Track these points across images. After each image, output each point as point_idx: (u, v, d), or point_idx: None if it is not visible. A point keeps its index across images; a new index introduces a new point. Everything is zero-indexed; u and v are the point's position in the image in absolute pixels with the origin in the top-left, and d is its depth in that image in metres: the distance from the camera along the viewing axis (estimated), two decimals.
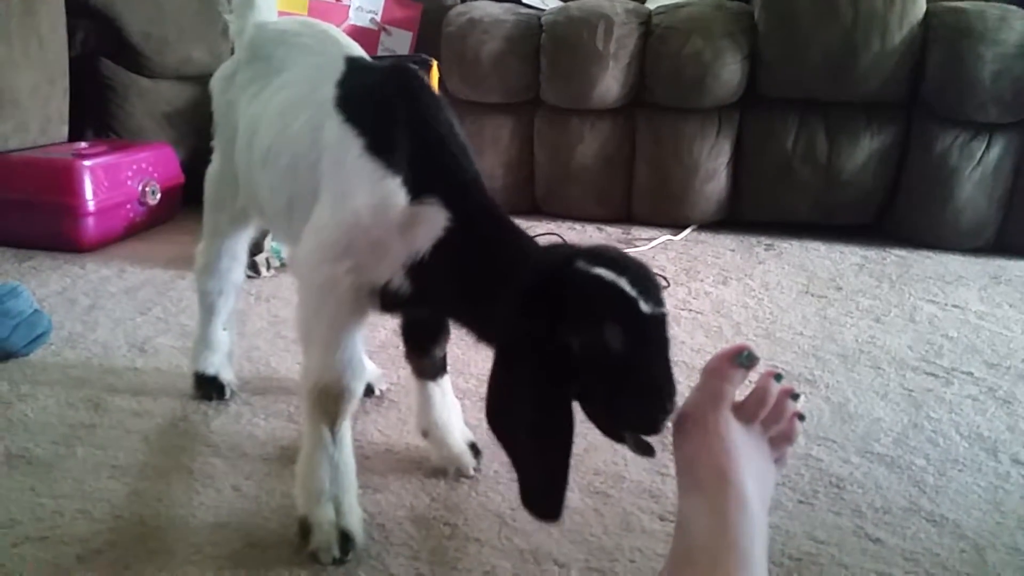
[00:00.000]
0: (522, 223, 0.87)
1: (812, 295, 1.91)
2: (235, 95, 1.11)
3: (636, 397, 0.73)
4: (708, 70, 2.35)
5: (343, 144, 0.88)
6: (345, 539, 0.87)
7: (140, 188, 2.17)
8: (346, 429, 0.91)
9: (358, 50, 1.04)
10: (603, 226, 2.52)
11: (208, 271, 1.22)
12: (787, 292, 1.93)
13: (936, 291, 1.98)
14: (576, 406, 0.76)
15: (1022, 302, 1.92)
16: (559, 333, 0.72)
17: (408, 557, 0.89)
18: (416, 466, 1.08)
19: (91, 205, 1.99)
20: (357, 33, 2.77)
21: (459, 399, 1.10)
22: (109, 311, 1.60)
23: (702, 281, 1.99)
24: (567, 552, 0.91)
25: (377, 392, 1.28)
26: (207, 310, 1.24)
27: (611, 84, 2.43)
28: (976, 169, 2.32)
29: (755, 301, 1.85)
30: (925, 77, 2.30)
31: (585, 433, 1.16)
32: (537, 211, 2.62)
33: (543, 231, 2.29)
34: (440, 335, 1.04)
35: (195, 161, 1.23)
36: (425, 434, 1.08)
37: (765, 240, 2.42)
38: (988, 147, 2.31)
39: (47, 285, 1.74)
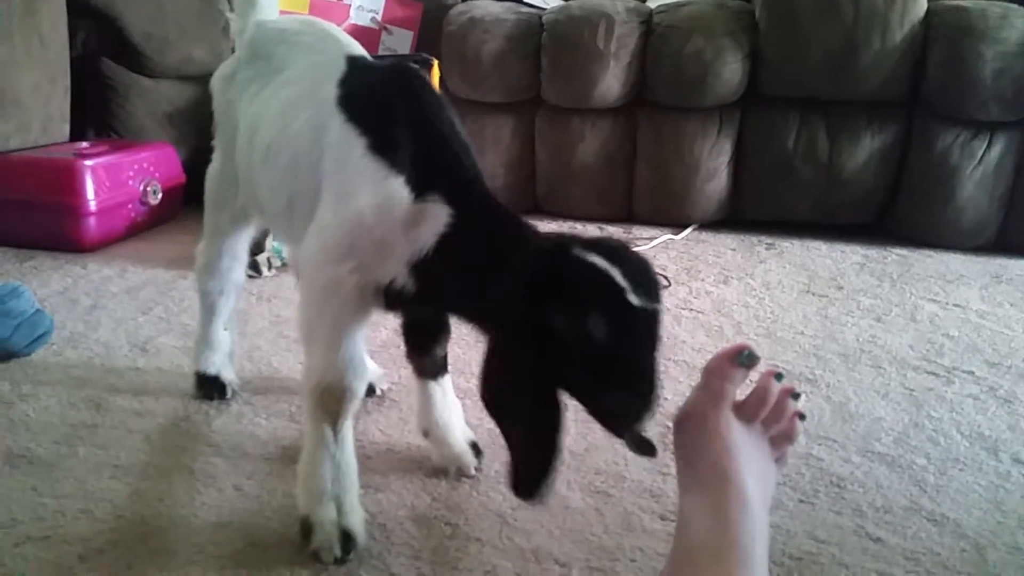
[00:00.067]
0: None
1: (813, 294, 1.91)
2: (235, 94, 1.11)
3: (616, 389, 0.73)
4: (709, 69, 2.35)
5: (346, 144, 0.88)
6: (347, 538, 0.88)
7: (141, 188, 2.17)
8: (348, 429, 0.91)
9: (359, 49, 1.04)
10: (604, 225, 2.52)
11: (209, 271, 1.22)
12: (788, 291, 1.93)
13: (937, 290, 1.98)
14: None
15: (1023, 301, 1.92)
16: (547, 317, 0.72)
17: (409, 557, 0.89)
18: (417, 466, 1.08)
19: (92, 205, 1.99)
20: (358, 32, 2.77)
21: (460, 398, 1.10)
22: (111, 311, 1.61)
23: (703, 280, 1.99)
24: (568, 551, 0.91)
25: (378, 392, 1.28)
26: (208, 310, 1.24)
27: (612, 83, 2.42)
28: (977, 168, 2.31)
29: (756, 300, 1.85)
30: (926, 76, 2.30)
31: (586, 433, 1.17)
32: (538, 210, 2.62)
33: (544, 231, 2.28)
34: (441, 334, 1.05)
35: (196, 161, 1.23)
36: (426, 434, 1.08)
37: (766, 239, 2.42)
38: (989, 146, 2.30)
39: (48, 285, 1.74)
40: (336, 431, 0.90)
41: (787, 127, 2.43)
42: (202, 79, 1.19)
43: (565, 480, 1.06)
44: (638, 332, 0.72)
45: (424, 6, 2.85)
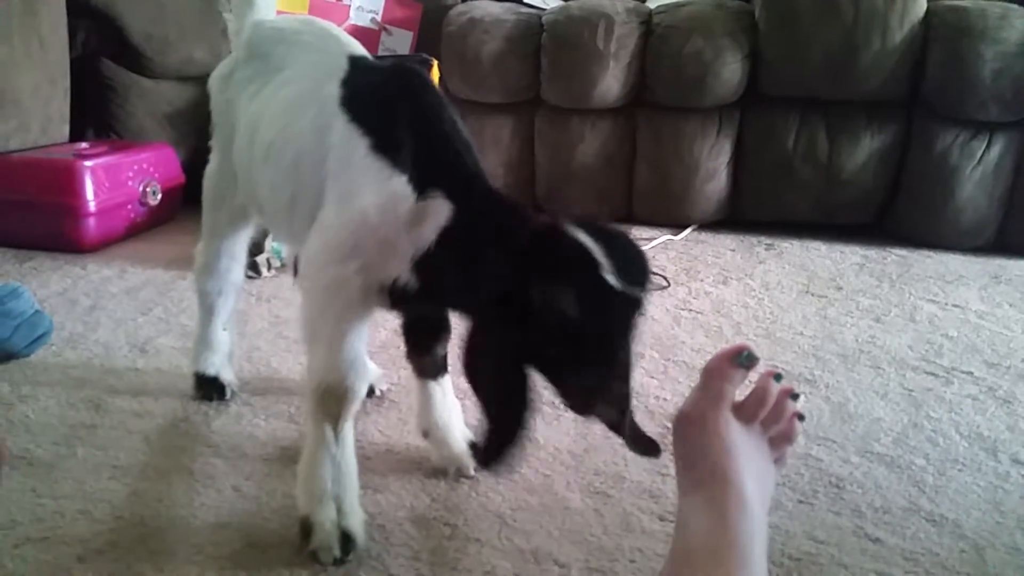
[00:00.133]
0: None
1: (812, 295, 1.91)
2: (233, 93, 1.11)
3: (581, 369, 0.74)
4: (709, 69, 2.35)
5: (349, 143, 0.89)
6: (346, 539, 0.88)
7: (141, 188, 2.17)
8: (349, 429, 0.91)
9: (360, 48, 1.05)
10: None
11: (207, 271, 1.22)
12: (787, 292, 1.93)
13: (936, 290, 1.98)
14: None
15: (1022, 301, 1.92)
16: (526, 290, 0.73)
17: (408, 557, 0.89)
18: (416, 466, 1.08)
19: (92, 205, 1.99)
20: (358, 33, 2.77)
21: (459, 399, 1.10)
22: (110, 312, 1.61)
23: (702, 281, 1.99)
24: (567, 552, 0.91)
25: (378, 392, 1.28)
26: (207, 310, 1.24)
27: (612, 83, 2.43)
28: (977, 168, 2.31)
29: (755, 301, 1.85)
30: (926, 76, 2.30)
31: (585, 434, 1.17)
32: (538, 211, 2.62)
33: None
34: (442, 334, 1.05)
35: (196, 161, 1.23)
36: (426, 434, 1.08)
37: (765, 240, 2.42)
38: (989, 146, 2.31)
39: (48, 286, 1.74)
40: (337, 432, 0.90)
41: (787, 127, 2.43)
42: (202, 80, 1.18)
43: (564, 481, 1.06)
44: (611, 313, 0.72)
45: (424, 6, 2.85)
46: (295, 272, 1.32)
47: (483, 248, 0.82)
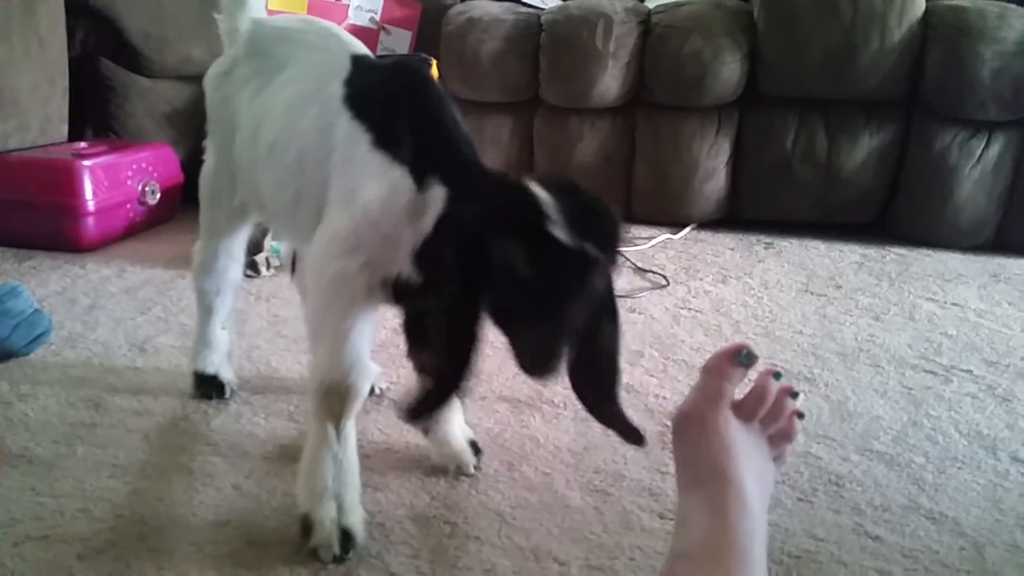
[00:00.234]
0: None
1: (811, 293, 1.91)
2: (231, 91, 1.11)
3: (527, 325, 0.74)
4: (707, 69, 2.35)
5: (352, 140, 0.90)
6: (346, 537, 0.87)
7: (140, 188, 2.17)
8: (351, 428, 0.91)
9: (362, 47, 1.05)
10: None
11: (205, 270, 1.22)
12: (787, 290, 1.93)
13: (935, 289, 1.98)
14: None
15: (1021, 300, 1.92)
16: (484, 242, 0.73)
17: (408, 555, 0.89)
18: (416, 464, 1.08)
19: (91, 205, 1.99)
20: (356, 32, 2.76)
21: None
22: (109, 311, 1.61)
23: (701, 280, 1.99)
24: (567, 550, 0.91)
25: (377, 391, 1.28)
26: (205, 309, 1.24)
27: (610, 83, 2.43)
28: (976, 167, 2.32)
29: (754, 299, 1.85)
30: (924, 75, 2.30)
31: (585, 432, 1.17)
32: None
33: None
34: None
35: (195, 161, 1.23)
36: (426, 431, 1.08)
37: (765, 239, 2.42)
38: (987, 145, 2.31)
39: (47, 285, 1.74)
40: (339, 430, 0.90)
41: (785, 127, 2.43)
42: (201, 79, 1.18)
43: (564, 479, 1.06)
44: (560, 269, 0.71)
45: (423, 6, 2.84)
46: (292, 270, 1.32)
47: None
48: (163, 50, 2.44)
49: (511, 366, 1.38)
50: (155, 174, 2.24)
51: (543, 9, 2.60)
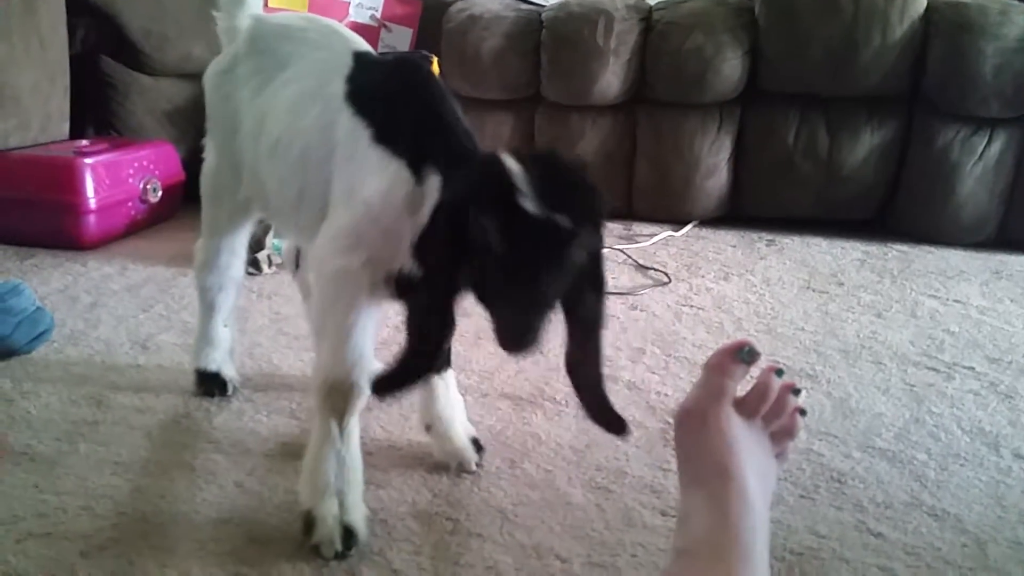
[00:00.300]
0: None
1: (813, 290, 1.91)
2: (233, 89, 1.11)
3: (500, 298, 0.74)
4: (709, 65, 2.35)
5: (353, 137, 0.90)
6: (348, 534, 0.88)
7: (141, 186, 2.17)
8: (354, 425, 0.92)
9: (364, 44, 1.05)
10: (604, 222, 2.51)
11: (207, 267, 1.22)
12: (788, 288, 1.93)
13: (937, 286, 1.98)
14: None
15: (1023, 297, 1.92)
16: (461, 218, 0.74)
17: (410, 552, 0.89)
18: (418, 462, 1.08)
19: (92, 203, 1.99)
20: (357, 29, 2.75)
21: (461, 395, 1.11)
22: (111, 308, 1.61)
23: (703, 277, 1.99)
24: (569, 547, 0.91)
25: None
26: (207, 306, 1.24)
27: (612, 80, 2.42)
28: (977, 164, 2.32)
29: (756, 297, 1.85)
30: (926, 72, 2.30)
31: (587, 429, 1.17)
32: None
33: None
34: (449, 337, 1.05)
35: (196, 158, 1.23)
36: (428, 428, 1.08)
37: (766, 236, 2.42)
38: (989, 142, 2.31)
39: (49, 283, 1.74)
40: (342, 427, 0.90)
41: (787, 123, 2.43)
42: (201, 77, 1.18)
43: (566, 476, 1.06)
44: (531, 242, 0.71)
45: (423, 3, 2.84)
46: (296, 266, 1.32)
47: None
48: (164, 48, 2.44)
49: (513, 363, 1.39)
50: (156, 172, 2.24)
51: (544, 6, 2.60)
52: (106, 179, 2.04)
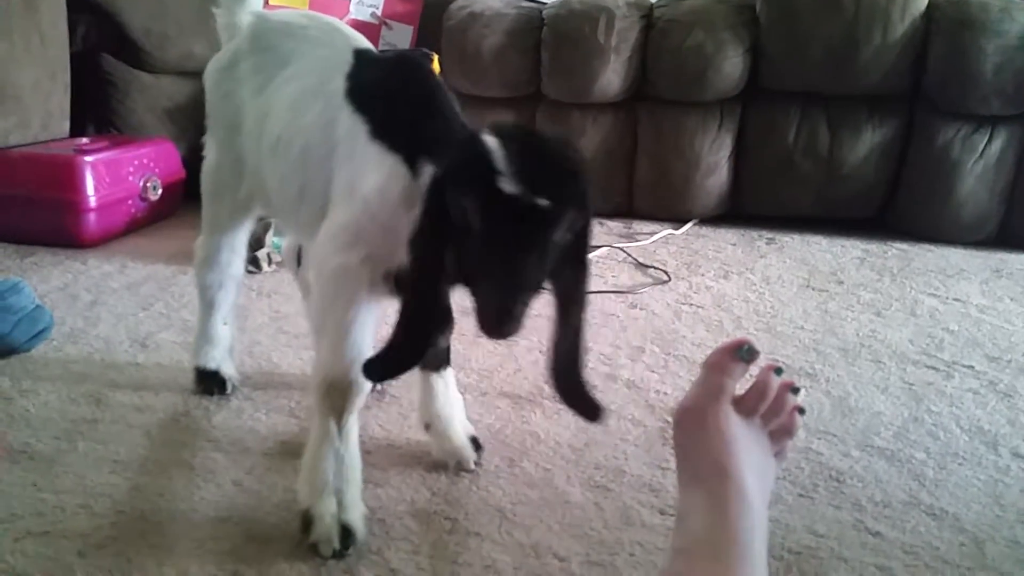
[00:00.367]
0: None
1: (813, 289, 1.91)
2: (235, 86, 1.12)
3: (481, 279, 0.74)
4: (710, 63, 2.35)
5: (352, 134, 0.91)
6: (346, 533, 0.87)
7: (141, 184, 2.17)
8: (353, 424, 0.92)
9: (364, 42, 1.05)
10: (604, 220, 2.52)
11: (208, 265, 1.22)
12: (788, 286, 1.93)
13: (937, 285, 1.98)
14: None
15: (1023, 296, 1.92)
16: (441, 195, 0.74)
17: (409, 551, 0.89)
18: (417, 461, 1.08)
19: (92, 201, 1.99)
20: (358, 27, 2.75)
21: (460, 393, 1.11)
22: (111, 307, 1.61)
23: (703, 275, 1.99)
24: (567, 546, 0.91)
25: (379, 387, 1.28)
26: (207, 304, 1.24)
27: (612, 78, 2.42)
28: (978, 162, 2.31)
29: (756, 295, 1.85)
30: (927, 70, 2.30)
31: (585, 428, 1.17)
32: None
33: None
34: (445, 325, 1.05)
35: (196, 156, 1.23)
36: (427, 426, 1.08)
37: (766, 234, 2.42)
38: (990, 140, 2.30)
39: (48, 281, 1.74)
40: (341, 426, 0.90)
41: (788, 122, 2.42)
42: (202, 75, 1.18)
43: (565, 475, 1.06)
44: (508, 222, 0.70)
45: (424, 0, 2.84)
46: (296, 264, 1.32)
47: None
48: (164, 46, 2.44)
49: (512, 362, 1.39)
50: (156, 170, 2.24)
51: (545, 4, 2.59)
52: (106, 177, 2.04)
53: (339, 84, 0.95)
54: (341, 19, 2.69)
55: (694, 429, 0.72)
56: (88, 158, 2.00)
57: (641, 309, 1.73)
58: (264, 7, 1.22)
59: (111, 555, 0.86)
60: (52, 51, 2.18)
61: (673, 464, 0.76)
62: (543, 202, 0.69)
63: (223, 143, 1.15)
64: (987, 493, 1.05)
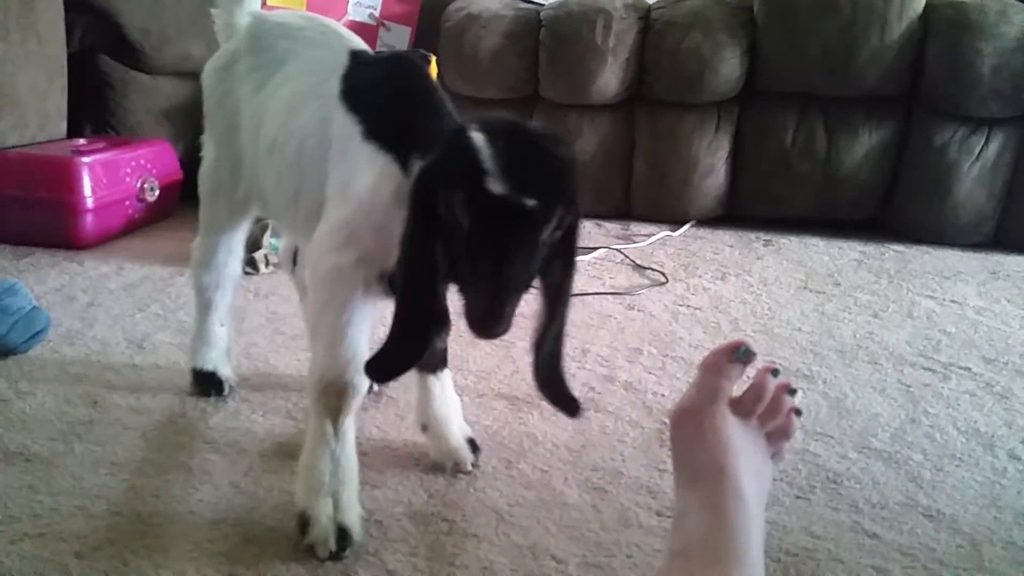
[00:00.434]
0: None
1: (810, 291, 1.91)
2: (233, 86, 1.12)
3: (467, 278, 0.74)
4: (707, 65, 2.35)
5: (346, 134, 0.91)
6: (342, 534, 0.87)
7: (138, 185, 2.16)
8: (350, 425, 0.91)
9: (360, 43, 1.05)
10: (602, 222, 2.52)
11: (205, 265, 1.22)
12: (785, 288, 1.93)
13: (934, 286, 1.98)
14: None
15: (1020, 297, 1.92)
16: (428, 190, 0.74)
17: (406, 553, 0.89)
18: (414, 462, 1.08)
19: (89, 202, 1.99)
20: (356, 28, 2.76)
21: (458, 395, 1.10)
22: (107, 308, 1.60)
23: (700, 277, 1.99)
24: (565, 548, 0.91)
25: (375, 389, 1.28)
26: (204, 305, 1.24)
27: (610, 79, 2.42)
28: (975, 164, 2.32)
29: (753, 297, 1.85)
30: (924, 71, 2.30)
31: (583, 430, 1.17)
32: None
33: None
34: (442, 327, 1.05)
35: (193, 157, 1.23)
36: (424, 428, 1.08)
37: (764, 236, 2.42)
38: (987, 142, 2.31)
39: (45, 282, 1.74)
40: (337, 427, 0.90)
41: (785, 123, 2.43)
42: (199, 76, 1.18)
43: (562, 477, 1.06)
44: (493, 220, 0.70)
45: (422, 2, 2.84)
46: (293, 265, 1.32)
47: None
48: (162, 47, 2.44)
49: (509, 363, 1.39)
50: (154, 171, 2.24)
51: (543, 5, 2.60)
52: (103, 178, 2.03)
53: (334, 85, 0.95)
54: (339, 20, 2.69)
55: (691, 431, 0.72)
56: (85, 159, 1.99)
57: (638, 311, 1.73)
58: (262, 8, 1.22)
59: (107, 557, 0.86)
60: (49, 52, 2.17)
61: (670, 466, 0.76)
62: (531, 202, 0.69)
63: (221, 144, 1.15)
64: (984, 495, 1.05)
